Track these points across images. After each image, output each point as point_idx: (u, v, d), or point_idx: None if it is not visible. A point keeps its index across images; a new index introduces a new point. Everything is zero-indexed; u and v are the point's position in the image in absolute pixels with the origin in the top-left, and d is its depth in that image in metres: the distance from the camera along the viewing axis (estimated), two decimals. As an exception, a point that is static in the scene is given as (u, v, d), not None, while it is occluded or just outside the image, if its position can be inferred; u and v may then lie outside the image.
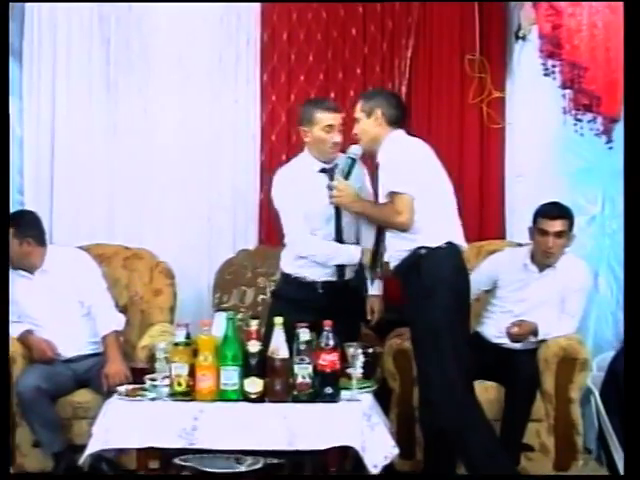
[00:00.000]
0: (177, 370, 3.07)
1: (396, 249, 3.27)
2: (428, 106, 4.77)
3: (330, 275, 3.62)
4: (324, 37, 4.75)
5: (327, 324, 3.03)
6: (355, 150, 3.40)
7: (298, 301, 3.58)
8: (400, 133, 3.38)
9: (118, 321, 3.90)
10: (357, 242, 3.68)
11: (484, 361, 3.84)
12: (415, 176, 3.22)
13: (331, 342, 3.02)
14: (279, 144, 4.79)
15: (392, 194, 3.19)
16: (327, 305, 3.52)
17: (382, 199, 3.30)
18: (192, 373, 3.07)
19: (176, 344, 3.10)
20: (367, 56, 4.76)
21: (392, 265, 3.31)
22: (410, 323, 3.33)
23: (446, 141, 4.77)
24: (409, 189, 3.18)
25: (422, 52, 4.76)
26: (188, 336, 3.11)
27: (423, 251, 3.20)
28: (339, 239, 3.62)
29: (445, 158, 4.67)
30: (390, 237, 3.29)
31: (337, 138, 3.59)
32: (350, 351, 3.15)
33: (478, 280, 3.99)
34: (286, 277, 3.72)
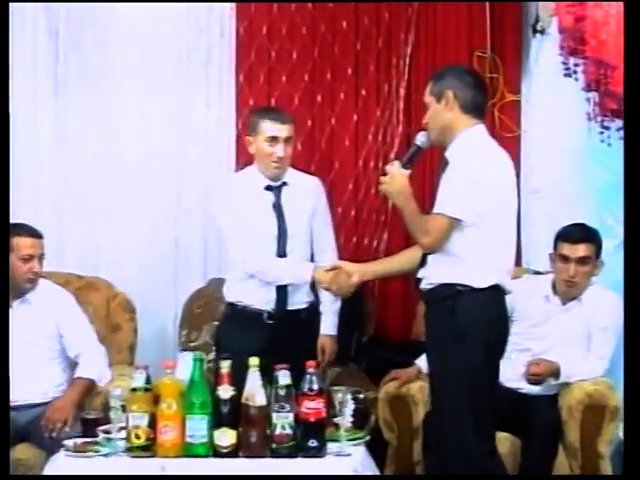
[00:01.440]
0: (135, 420, 3.06)
1: (433, 276, 3.21)
2: (431, 111, 4.81)
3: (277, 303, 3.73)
4: (310, 31, 4.79)
5: (310, 365, 3.03)
6: (421, 138, 3.31)
7: (244, 334, 3.66)
8: (478, 132, 3.24)
9: (101, 373, 3.89)
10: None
11: (497, 408, 3.82)
12: (473, 200, 3.10)
13: (315, 386, 3.01)
14: (257, 155, 4.81)
15: (433, 211, 3.16)
16: (276, 340, 3.60)
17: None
18: (153, 424, 3.06)
19: (134, 390, 3.08)
20: (360, 53, 4.80)
21: (425, 290, 3.26)
22: (430, 364, 3.31)
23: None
24: (454, 212, 3.09)
25: (424, 49, 4.80)
26: (148, 380, 3.10)
27: (462, 288, 3.13)
28: None
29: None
30: (431, 260, 3.24)
31: (281, 152, 3.68)
32: (338, 397, 3.14)
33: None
34: (231, 307, 3.82)
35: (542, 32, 4.53)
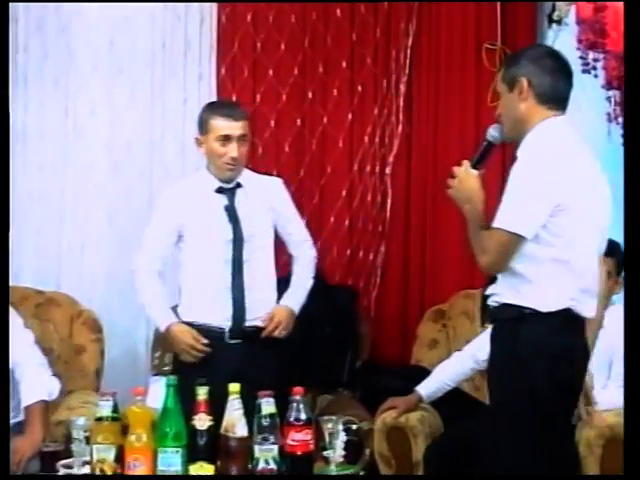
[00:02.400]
0: (100, 453, 3.04)
1: (501, 294, 3.08)
2: (435, 110, 4.87)
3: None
4: (299, 19, 4.82)
5: (297, 392, 3.03)
6: (493, 132, 3.15)
7: (205, 359, 3.68)
8: (555, 125, 3.04)
9: (49, 388, 3.85)
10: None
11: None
12: (539, 212, 2.93)
13: (302, 416, 3.01)
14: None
15: (492, 227, 2.98)
16: (244, 363, 3.61)
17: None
18: (120, 457, 3.04)
19: (100, 419, 3.07)
20: (355, 44, 4.84)
21: (491, 308, 3.20)
22: (489, 387, 3.26)
23: (457, 154, 4.79)
24: (515, 228, 2.94)
25: (426, 40, 4.85)
26: (116, 408, 3.08)
27: (528, 311, 3.00)
28: (236, 278, 3.71)
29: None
30: (501, 277, 3.09)
31: (234, 152, 3.67)
32: (328, 427, 3.14)
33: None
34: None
35: (559, 22, 4.55)
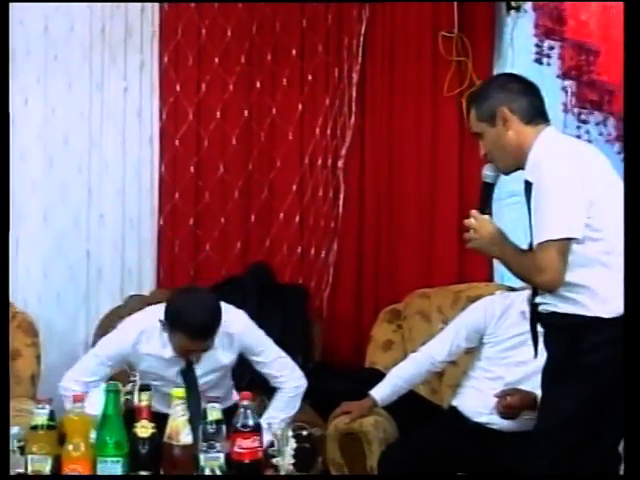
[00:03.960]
0: (36, 464, 3.03)
1: (553, 303, 3.12)
2: (389, 100, 4.89)
3: None
4: (247, 6, 4.83)
5: (245, 397, 3.05)
6: (488, 172, 3.28)
7: None
8: (550, 135, 3.16)
9: None
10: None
11: (462, 446, 3.89)
12: (576, 211, 3.02)
13: (250, 421, 3.02)
14: (185, 151, 4.87)
15: (537, 245, 3.04)
16: None
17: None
18: (57, 468, 3.03)
19: (35, 427, 3.06)
20: (306, 31, 4.86)
21: (545, 313, 3.18)
22: (542, 391, 3.25)
23: (413, 147, 4.88)
24: (562, 233, 3.01)
25: (380, 27, 4.87)
26: (52, 416, 3.07)
27: (587, 319, 3.05)
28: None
29: (411, 169, 4.89)
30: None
31: (196, 359, 3.70)
32: (277, 434, 3.18)
33: (457, 335, 4.08)
34: None
35: (517, 9, 4.60)
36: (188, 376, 3.76)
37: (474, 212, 3.21)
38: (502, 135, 3.15)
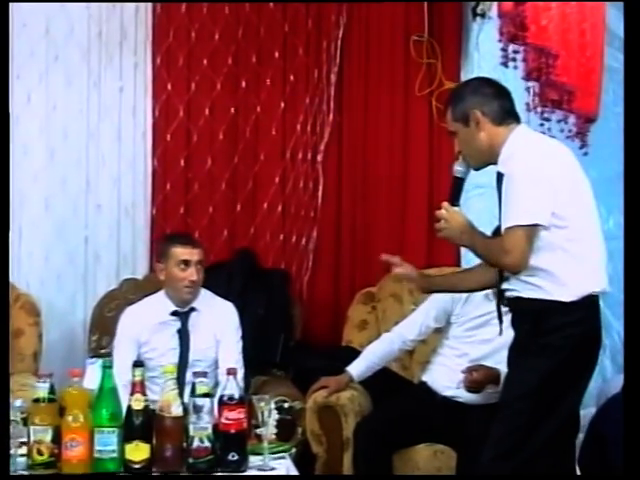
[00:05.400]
0: (38, 434, 3.01)
1: (518, 289, 3.13)
2: (364, 100, 4.88)
3: None
4: (233, 11, 4.82)
5: (231, 372, 3.05)
6: (459, 168, 3.28)
7: None
8: (521, 134, 3.18)
9: None
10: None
11: (432, 419, 3.90)
12: (544, 200, 3.03)
13: (236, 395, 3.02)
14: (175, 146, 4.83)
15: (505, 229, 3.06)
16: None
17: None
18: (58, 438, 3.02)
19: (37, 400, 3.05)
20: (288, 35, 4.84)
21: (510, 298, 3.17)
22: (508, 368, 3.25)
23: (386, 143, 4.88)
24: (529, 219, 3.02)
25: (356, 31, 4.87)
26: (52, 390, 3.06)
27: (549, 303, 3.07)
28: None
29: (385, 163, 4.89)
30: (513, 277, 3.13)
31: (194, 276, 3.92)
32: (261, 406, 3.16)
33: (426, 316, 4.10)
34: None
35: (483, 16, 4.60)
36: (183, 336, 3.93)
37: (445, 204, 3.22)
38: (475, 135, 3.18)
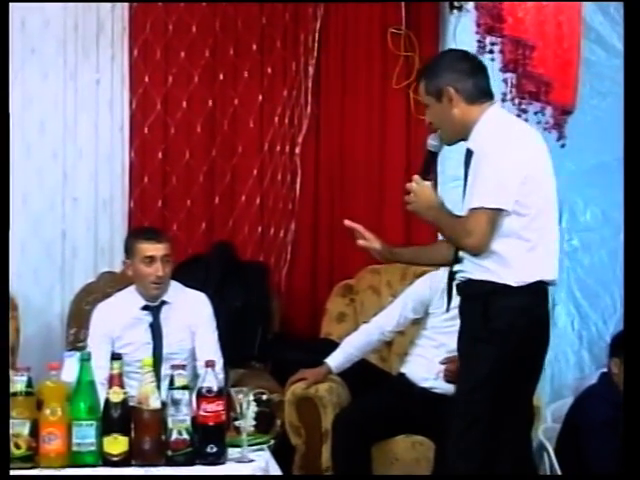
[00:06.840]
0: (15, 428, 2.99)
1: (469, 271, 3.10)
2: (341, 92, 4.87)
3: None
4: (211, 3, 4.79)
5: (210, 363, 3.04)
6: (432, 142, 3.21)
7: None
8: (495, 114, 3.12)
9: None
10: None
11: (410, 410, 3.91)
12: (510, 185, 2.99)
13: (214, 387, 3.01)
14: (153, 138, 4.81)
15: (469, 210, 3.02)
16: None
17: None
18: (35, 432, 3.01)
19: (14, 394, 3.02)
20: (265, 27, 4.83)
21: (460, 283, 3.14)
22: (459, 357, 3.22)
23: (364, 135, 4.87)
24: (493, 203, 2.98)
25: (334, 24, 4.86)
26: (30, 383, 3.04)
27: (497, 286, 3.03)
28: None
29: (362, 155, 4.89)
30: (466, 259, 3.11)
31: (160, 272, 3.89)
32: (239, 398, 3.16)
33: (404, 307, 4.11)
34: None
35: (460, 9, 4.60)
36: (156, 329, 3.92)
37: (416, 177, 3.15)
38: (447, 111, 3.12)
